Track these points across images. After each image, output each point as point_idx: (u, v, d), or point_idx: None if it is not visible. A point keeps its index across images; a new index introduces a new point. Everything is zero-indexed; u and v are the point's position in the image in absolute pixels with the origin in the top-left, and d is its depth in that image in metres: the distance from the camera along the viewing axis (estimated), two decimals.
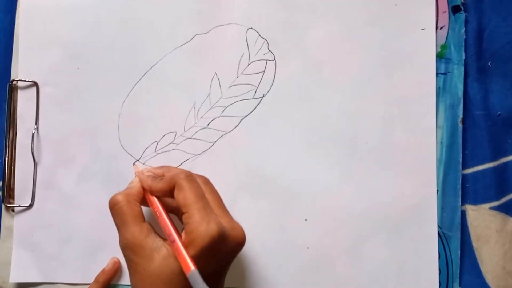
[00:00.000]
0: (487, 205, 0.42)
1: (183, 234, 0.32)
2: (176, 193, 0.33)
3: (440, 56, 0.42)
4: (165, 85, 0.43)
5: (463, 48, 0.42)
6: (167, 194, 0.35)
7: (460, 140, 0.42)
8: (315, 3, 0.43)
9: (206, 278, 0.30)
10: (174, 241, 0.32)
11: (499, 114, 0.42)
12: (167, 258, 0.32)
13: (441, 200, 0.41)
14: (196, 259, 0.30)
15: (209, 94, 0.42)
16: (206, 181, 0.36)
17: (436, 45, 0.42)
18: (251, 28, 0.43)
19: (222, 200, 0.35)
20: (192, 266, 0.30)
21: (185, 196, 0.32)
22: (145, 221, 0.35)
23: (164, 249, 0.32)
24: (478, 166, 0.42)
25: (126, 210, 0.34)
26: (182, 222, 0.33)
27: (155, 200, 0.36)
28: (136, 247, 0.32)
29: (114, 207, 0.35)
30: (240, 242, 0.33)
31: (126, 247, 0.33)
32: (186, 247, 0.31)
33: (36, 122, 0.43)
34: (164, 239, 0.33)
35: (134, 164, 0.42)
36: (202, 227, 0.31)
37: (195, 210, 0.31)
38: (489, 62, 0.42)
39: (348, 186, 0.42)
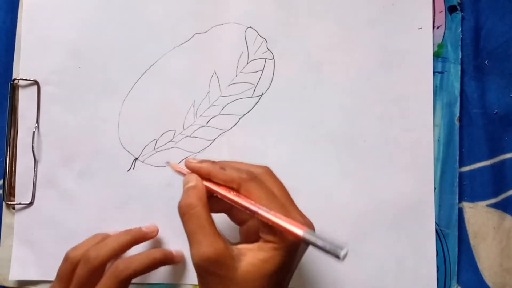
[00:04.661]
0: (484, 203, 0.42)
1: (264, 238, 0.30)
2: (244, 194, 0.31)
3: (437, 55, 0.42)
4: (164, 84, 0.43)
5: (459, 47, 0.42)
6: (225, 185, 0.32)
7: (457, 138, 0.42)
8: (314, 3, 0.43)
9: (291, 274, 0.30)
10: (271, 214, 0.29)
11: (496, 112, 0.42)
12: (253, 263, 0.29)
13: (438, 198, 0.42)
14: (287, 257, 0.29)
15: (208, 92, 0.43)
16: (268, 172, 0.33)
17: (433, 44, 0.42)
18: (250, 27, 0.43)
19: (287, 189, 0.32)
20: (301, 228, 0.28)
21: (259, 198, 0.30)
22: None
23: (248, 253, 0.30)
24: (475, 164, 0.42)
25: (204, 216, 0.30)
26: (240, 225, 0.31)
27: (223, 188, 0.32)
28: (221, 259, 0.29)
29: (189, 212, 0.30)
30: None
31: (210, 261, 0.29)
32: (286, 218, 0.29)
33: (37, 121, 0.43)
34: (235, 244, 0.31)
35: (168, 162, 0.37)
36: (293, 217, 0.29)
37: (276, 208, 0.29)
38: (486, 61, 0.43)
39: (347, 184, 0.42)
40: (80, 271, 0.37)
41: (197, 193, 0.31)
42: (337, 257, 0.27)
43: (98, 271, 0.37)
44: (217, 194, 0.32)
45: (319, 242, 0.27)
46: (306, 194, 0.42)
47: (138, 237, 0.40)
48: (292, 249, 0.30)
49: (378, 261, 0.41)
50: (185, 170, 0.33)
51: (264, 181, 0.31)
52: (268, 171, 0.33)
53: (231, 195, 0.31)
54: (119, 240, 0.38)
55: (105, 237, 0.40)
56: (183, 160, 0.36)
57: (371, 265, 0.41)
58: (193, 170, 0.33)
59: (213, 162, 0.33)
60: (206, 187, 0.32)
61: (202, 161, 0.33)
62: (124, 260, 0.37)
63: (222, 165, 0.32)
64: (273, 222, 0.29)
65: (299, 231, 0.28)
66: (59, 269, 0.38)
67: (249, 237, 0.32)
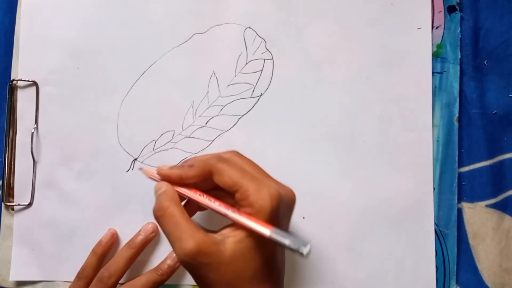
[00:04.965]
0: (483, 203, 0.42)
1: (243, 210, 0.31)
2: (216, 178, 0.31)
3: (436, 55, 0.42)
4: (163, 84, 0.43)
5: (458, 48, 0.42)
6: (198, 182, 0.33)
7: (456, 138, 0.42)
8: (313, 3, 0.43)
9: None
10: (238, 214, 0.30)
11: (495, 113, 0.42)
12: (237, 242, 0.30)
13: (437, 198, 0.42)
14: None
15: (207, 93, 0.43)
16: (236, 153, 0.34)
17: (432, 44, 0.42)
18: (249, 27, 0.43)
19: (259, 166, 0.34)
20: (268, 228, 0.29)
21: (230, 175, 0.31)
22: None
23: (230, 236, 0.30)
24: (474, 164, 0.42)
25: (178, 214, 0.31)
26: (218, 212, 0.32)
27: (193, 190, 0.33)
28: (205, 249, 0.29)
29: (164, 214, 0.31)
30: (292, 199, 0.33)
31: (193, 254, 0.29)
32: (254, 217, 0.30)
33: (36, 121, 0.43)
34: (215, 231, 0.32)
35: (141, 169, 0.37)
36: (263, 193, 0.30)
37: (247, 183, 0.30)
38: (485, 61, 0.43)
39: (346, 184, 0.42)
40: None
41: (167, 196, 0.32)
42: (301, 254, 0.28)
43: None
44: (188, 197, 0.33)
45: (285, 241, 0.29)
46: (305, 194, 0.42)
47: (140, 247, 0.41)
48: (270, 219, 0.30)
49: (377, 261, 0.41)
50: (156, 176, 0.34)
51: (234, 161, 0.33)
52: (237, 153, 0.34)
53: (202, 198, 0.32)
54: (125, 256, 0.41)
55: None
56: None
57: (370, 265, 0.41)
58: (165, 177, 0.33)
59: (182, 166, 0.33)
60: (178, 192, 0.33)
61: (172, 167, 0.33)
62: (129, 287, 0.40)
63: (191, 162, 0.33)
64: (242, 223, 0.30)
65: (266, 231, 0.29)
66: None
67: (232, 224, 0.32)
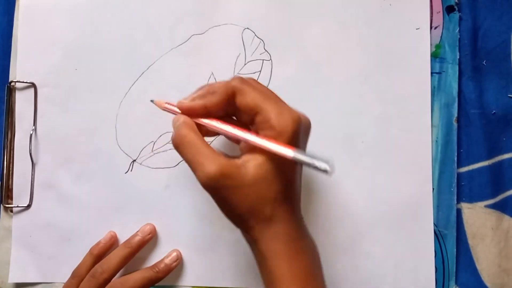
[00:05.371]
0: (482, 203, 0.42)
1: (263, 134, 0.31)
2: (239, 99, 0.31)
3: (434, 56, 0.42)
4: (162, 85, 0.43)
5: (457, 48, 0.42)
6: (222, 109, 0.32)
7: (455, 138, 0.42)
8: (311, 3, 0.43)
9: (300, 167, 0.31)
10: (259, 137, 0.31)
11: (494, 113, 0.42)
12: (258, 165, 0.30)
13: (436, 199, 0.42)
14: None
15: None
16: (255, 80, 0.34)
17: (431, 44, 0.42)
18: (247, 28, 0.43)
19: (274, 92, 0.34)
20: (291, 149, 0.29)
21: (253, 97, 0.31)
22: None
23: (251, 160, 0.31)
24: (473, 165, 0.42)
25: (198, 141, 0.31)
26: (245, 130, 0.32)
27: (214, 120, 0.33)
28: (227, 172, 0.30)
29: (183, 142, 0.31)
30: (309, 125, 0.33)
31: (217, 177, 0.30)
32: (275, 140, 0.30)
33: (34, 123, 0.43)
34: (236, 156, 0.32)
35: (152, 101, 0.36)
36: (285, 116, 0.30)
37: (270, 105, 0.31)
38: (484, 61, 0.43)
39: (345, 184, 0.42)
40: (86, 286, 0.40)
41: (186, 125, 0.32)
42: (325, 171, 0.28)
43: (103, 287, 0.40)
44: (207, 125, 0.33)
45: (310, 160, 0.29)
46: (304, 195, 0.42)
47: (136, 248, 0.41)
48: (292, 141, 0.30)
49: (377, 261, 0.41)
50: (173, 109, 0.34)
51: (255, 84, 0.33)
52: (255, 80, 0.34)
53: (223, 125, 0.32)
54: (120, 255, 0.41)
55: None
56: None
57: (370, 265, 0.41)
58: (188, 111, 0.33)
59: (202, 95, 0.33)
60: (197, 124, 0.33)
61: (194, 98, 0.33)
62: (122, 281, 0.40)
63: (211, 89, 0.32)
64: (263, 147, 0.30)
65: (289, 152, 0.29)
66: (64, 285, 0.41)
67: (250, 151, 0.32)
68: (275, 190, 0.31)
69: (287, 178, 0.32)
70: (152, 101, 0.36)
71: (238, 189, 0.30)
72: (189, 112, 0.33)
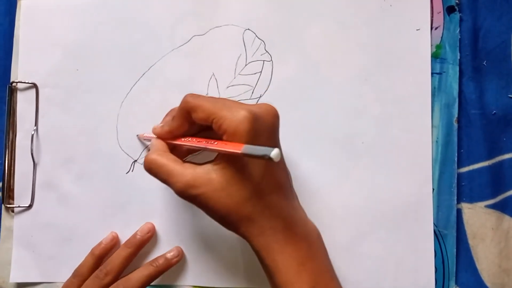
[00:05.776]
0: (482, 203, 0.42)
1: (223, 139, 0.32)
2: (194, 115, 0.33)
3: (435, 56, 0.42)
4: (163, 86, 0.43)
5: (458, 48, 0.42)
6: (186, 127, 0.35)
7: (455, 139, 0.42)
8: (312, 4, 0.43)
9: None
10: (218, 142, 0.32)
11: (495, 113, 0.42)
12: (222, 168, 0.32)
13: (437, 199, 0.42)
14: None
15: (207, 94, 0.43)
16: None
17: (431, 45, 0.42)
18: (248, 29, 0.43)
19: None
20: (239, 146, 0.30)
21: (204, 109, 0.32)
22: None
23: (215, 165, 0.32)
24: (473, 165, 0.42)
25: (165, 161, 0.34)
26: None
27: (180, 139, 0.36)
28: (196, 182, 0.32)
29: (152, 165, 0.34)
30: (273, 114, 0.34)
31: (186, 189, 0.32)
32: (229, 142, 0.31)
33: (36, 123, 0.43)
34: (203, 164, 0.33)
35: (137, 136, 0.43)
36: (235, 117, 0.31)
37: (221, 111, 0.32)
38: (484, 62, 0.43)
39: (345, 184, 0.42)
40: (90, 286, 0.40)
41: (154, 150, 0.35)
42: (270, 159, 0.28)
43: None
44: (175, 144, 0.36)
45: (255, 152, 0.29)
46: (304, 195, 0.42)
47: (137, 247, 0.42)
48: (248, 139, 0.31)
49: (377, 261, 0.41)
50: (148, 137, 0.38)
51: (205, 97, 0.34)
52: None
53: (186, 142, 0.35)
54: (122, 255, 0.41)
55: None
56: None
57: (370, 265, 0.41)
58: (159, 136, 0.36)
59: (168, 121, 0.36)
60: (169, 143, 0.36)
61: (162, 126, 0.36)
62: (124, 281, 0.40)
63: (171, 115, 0.36)
64: (217, 150, 0.32)
65: (238, 149, 0.30)
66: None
67: (215, 157, 0.34)
68: (247, 189, 0.32)
69: (259, 174, 0.32)
70: (137, 135, 0.42)
71: (211, 194, 0.32)
72: (161, 137, 0.36)
